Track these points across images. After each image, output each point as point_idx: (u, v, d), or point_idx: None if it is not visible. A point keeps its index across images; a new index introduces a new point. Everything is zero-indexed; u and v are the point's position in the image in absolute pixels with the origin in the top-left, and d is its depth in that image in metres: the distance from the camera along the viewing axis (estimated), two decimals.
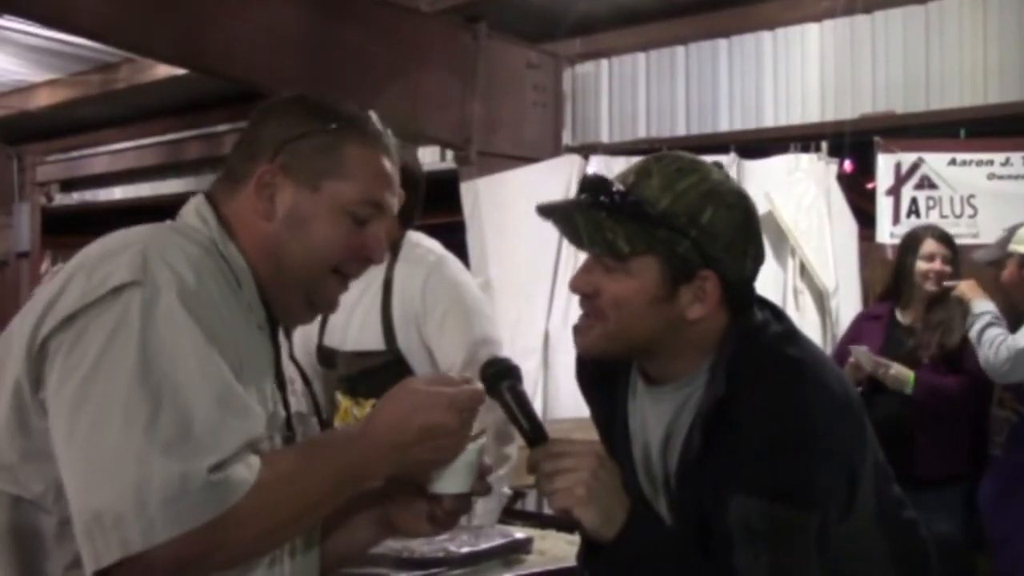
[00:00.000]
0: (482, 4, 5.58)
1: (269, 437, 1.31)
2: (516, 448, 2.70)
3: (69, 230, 9.60)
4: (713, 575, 1.42)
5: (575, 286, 1.51)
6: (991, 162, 4.77)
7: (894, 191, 4.88)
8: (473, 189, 5.53)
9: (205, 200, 1.42)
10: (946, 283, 3.81)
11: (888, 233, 4.85)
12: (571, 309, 4.60)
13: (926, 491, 3.30)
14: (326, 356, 2.86)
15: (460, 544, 2.22)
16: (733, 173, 4.94)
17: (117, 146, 8.82)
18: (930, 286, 3.84)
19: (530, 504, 3.88)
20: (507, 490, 2.88)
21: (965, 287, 3.74)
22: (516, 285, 5.34)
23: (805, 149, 5.07)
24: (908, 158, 4.86)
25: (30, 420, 1.24)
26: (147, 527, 1.13)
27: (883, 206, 4.89)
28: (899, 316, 3.95)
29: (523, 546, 2.34)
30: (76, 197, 9.95)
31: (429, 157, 6.41)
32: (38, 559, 1.26)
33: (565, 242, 2.57)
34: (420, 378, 1.44)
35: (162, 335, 1.21)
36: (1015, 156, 4.73)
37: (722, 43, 5.67)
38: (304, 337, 2.79)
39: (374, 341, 2.77)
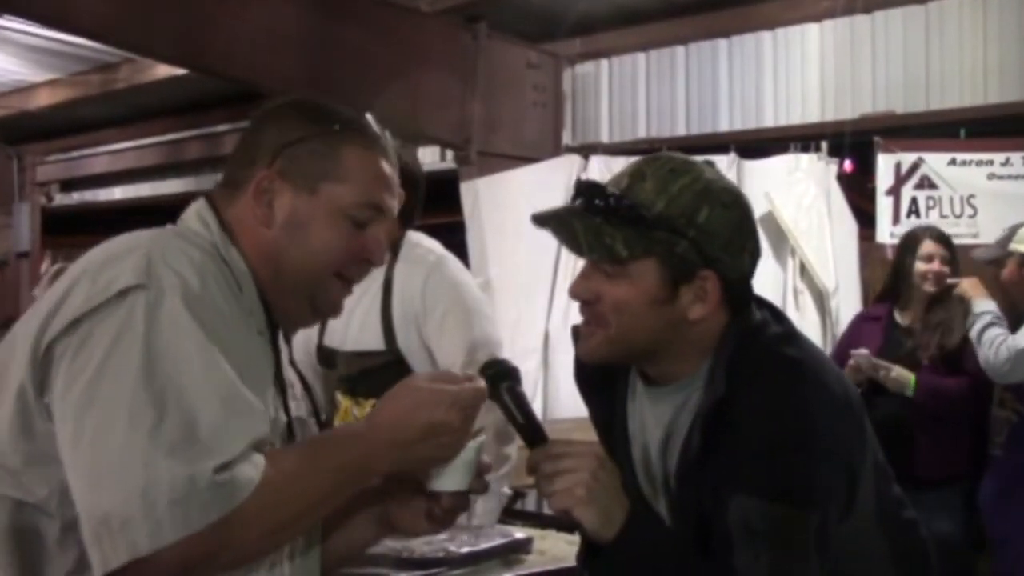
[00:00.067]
0: (482, 4, 5.58)
1: (271, 443, 1.30)
2: (516, 448, 2.70)
3: (69, 230, 9.61)
4: (713, 575, 1.42)
5: (575, 293, 1.50)
6: (991, 162, 4.76)
7: (894, 191, 4.88)
8: (473, 189, 5.52)
9: (207, 204, 1.41)
10: (948, 280, 3.81)
11: (888, 233, 4.84)
12: (571, 309, 4.57)
13: (926, 491, 3.30)
14: (326, 356, 2.86)
15: (460, 544, 2.21)
16: (733, 173, 4.95)
17: (117, 146, 8.82)
18: (928, 287, 3.83)
19: (530, 504, 3.88)
20: (507, 490, 2.88)
21: (967, 285, 3.73)
22: (516, 285, 5.33)
23: (805, 149, 5.07)
24: (908, 158, 4.86)
25: (34, 424, 1.24)
26: (154, 529, 1.14)
27: (883, 206, 4.88)
28: (898, 317, 3.95)
29: (523, 546, 2.34)
30: (76, 197, 9.95)
31: (429, 157, 6.41)
32: (40, 564, 1.26)
33: None
34: (422, 376, 1.43)
35: (166, 338, 1.21)
36: (1015, 156, 4.73)
37: (722, 43, 5.67)
38: (304, 337, 2.79)
39: (374, 341, 2.77)
